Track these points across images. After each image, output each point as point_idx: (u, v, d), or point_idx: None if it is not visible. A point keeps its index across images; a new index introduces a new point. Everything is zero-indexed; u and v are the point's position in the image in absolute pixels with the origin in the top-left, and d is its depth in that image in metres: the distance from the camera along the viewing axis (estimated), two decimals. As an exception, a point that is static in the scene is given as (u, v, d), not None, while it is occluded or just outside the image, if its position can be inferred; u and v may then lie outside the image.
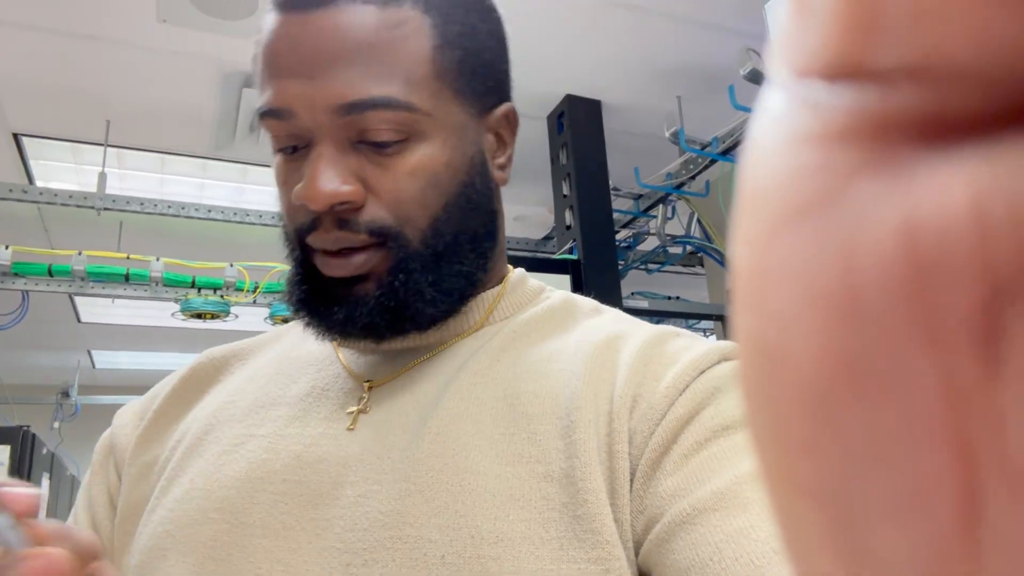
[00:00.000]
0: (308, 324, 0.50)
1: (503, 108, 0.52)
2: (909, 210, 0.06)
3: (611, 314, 0.55)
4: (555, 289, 0.58)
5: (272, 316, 2.61)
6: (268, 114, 0.47)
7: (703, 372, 0.45)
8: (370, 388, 0.50)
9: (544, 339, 0.51)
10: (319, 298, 0.48)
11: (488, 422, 0.45)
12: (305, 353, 0.55)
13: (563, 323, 0.53)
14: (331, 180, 0.45)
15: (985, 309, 0.06)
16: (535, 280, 0.58)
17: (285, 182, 0.49)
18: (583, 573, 0.40)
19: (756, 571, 0.36)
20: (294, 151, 0.48)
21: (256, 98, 0.49)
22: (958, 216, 0.06)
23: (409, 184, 0.47)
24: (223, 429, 0.50)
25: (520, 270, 0.58)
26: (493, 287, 0.55)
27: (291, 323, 0.60)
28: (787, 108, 0.07)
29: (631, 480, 0.42)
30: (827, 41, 0.07)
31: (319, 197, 0.45)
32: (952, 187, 0.06)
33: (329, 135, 0.46)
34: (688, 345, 0.48)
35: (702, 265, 2.92)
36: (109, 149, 2.44)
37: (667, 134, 2.09)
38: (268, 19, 0.48)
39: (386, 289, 0.47)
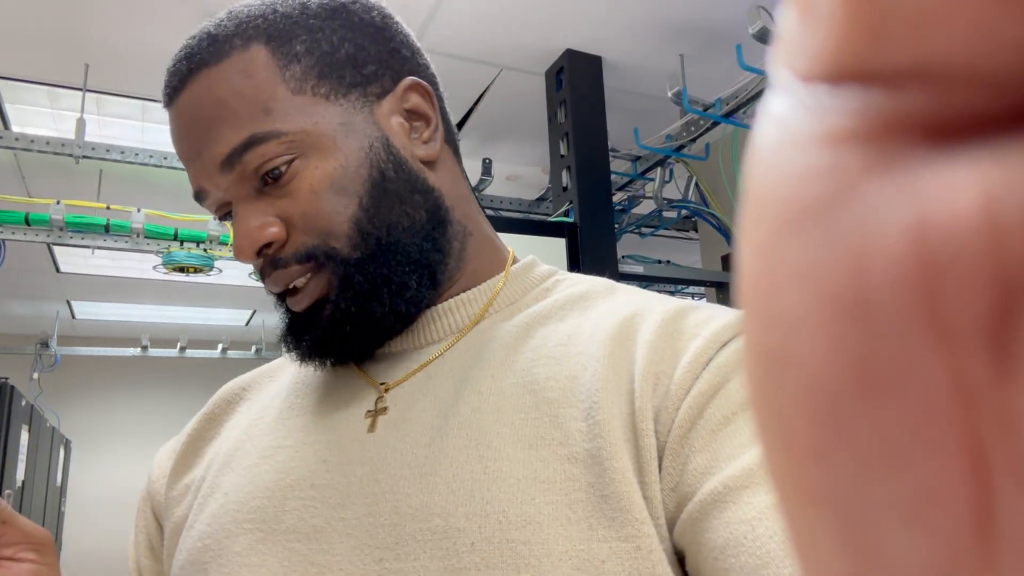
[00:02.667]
0: (295, 358, 0.52)
1: (402, 85, 0.52)
2: (919, 210, 0.06)
3: (627, 292, 0.54)
4: (567, 273, 0.57)
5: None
6: (196, 199, 0.52)
7: (725, 344, 0.44)
8: (386, 390, 0.51)
9: (562, 323, 0.51)
10: (296, 332, 0.51)
11: (509, 410, 0.45)
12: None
13: (577, 306, 0.52)
14: (247, 232, 0.49)
15: (997, 309, 0.06)
16: (546, 266, 0.58)
17: None
18: (614, 551, 0.40)
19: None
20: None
21: None
22: (969, 216, 0.06)
23: (314, 201, 0.48)
24: (253, 443, 0.52)
25: (531, 256, 0.58)
26: (495, 275, 0.55)
27: None
28: (792, 112, 0.07)
29: (660, 458, 0.42)
30: (832, 45, 0.07)
31: (242, 251, 0.49)
32: (962, 187, 0.06)
33: (235, 193, 0.50)
34: (709, 317, 0.47)
35: (696, 230, 2.89)
36: (88, 94, 2.34)
37: (669, 94, 2.03)
38: None
39: (338, 305, 0.49)
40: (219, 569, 0.46)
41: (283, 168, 0.48)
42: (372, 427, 0.49)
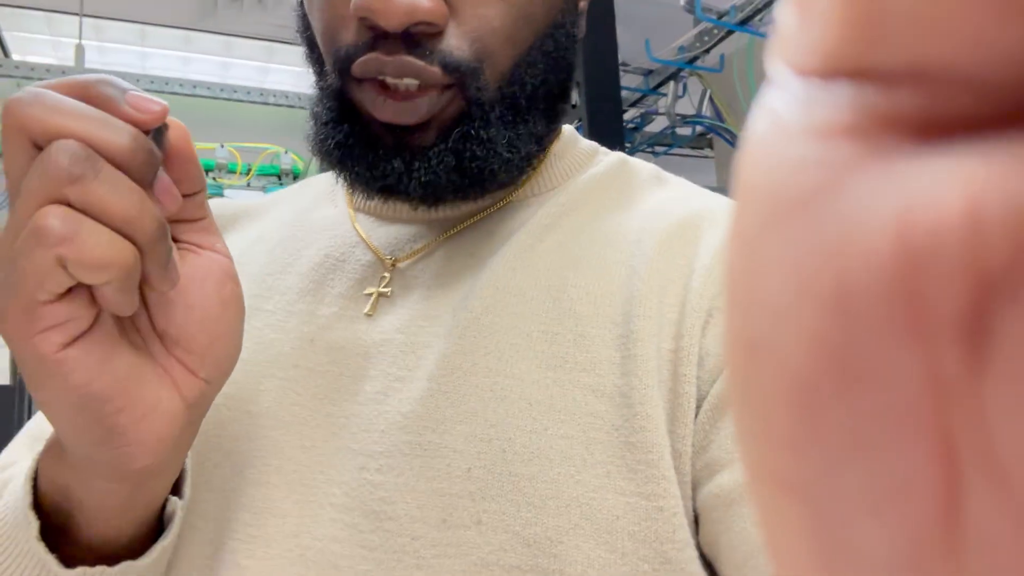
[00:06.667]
0: (348, 177, 0.40)
1: None
2: (903, 204, 0.06)
3: (679, 187, 0.46)
4: (609, 151, 0.49)
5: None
6: None
7: None
8: (393, 265, 0.43)
9: (598, 216, 0.43)
10: (365, 145, 0.39)
11: (528, 317, 0.39)
12: (319, 217, 0.47)
13: (620, 196, 0.44)
14: None
15: (974, 305, 0.06)
16: (587, 141, 0.49)
17: None
18: (631, 508, 0.34)
19: None
20: None
21: None
22: (951, 212, 0.06)
23: (499, 10, 0.38)
24: None
25: (569, 128, 0.48)
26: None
27: (303, 183, 0.52)
28: (785, 105, 0.07)
29: (697, 409, 0.36)
30: (828, 41, 0.07)
31: (393, 10, 0.35)
32: (947, 184, 0.06)
33: None
34: None
35: (711, 147, 2.82)
36: (86, 20, 2.30)
37: (682, 2, 1.95)
38: None
39: (455, 140, 0.38)
40: (195, 448, 0.38)
41: None
42: (371, 310, 0.41)
